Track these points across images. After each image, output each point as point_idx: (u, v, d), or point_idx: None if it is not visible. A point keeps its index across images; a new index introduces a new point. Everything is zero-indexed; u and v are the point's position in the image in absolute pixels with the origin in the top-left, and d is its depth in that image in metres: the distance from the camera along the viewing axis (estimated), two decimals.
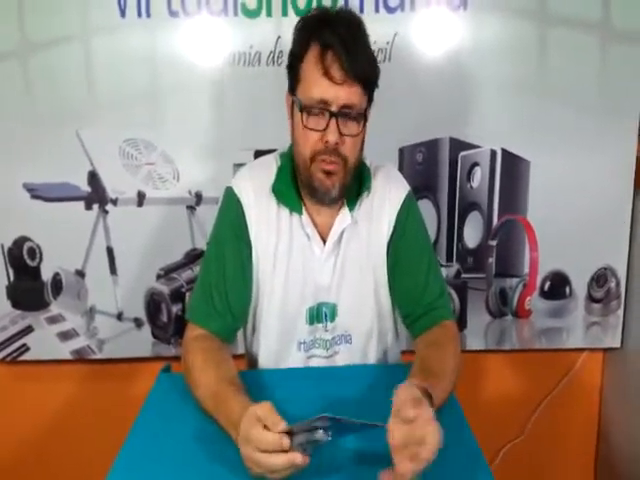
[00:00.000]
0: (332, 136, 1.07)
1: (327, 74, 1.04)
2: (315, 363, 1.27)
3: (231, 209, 1.21)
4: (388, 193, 1.23)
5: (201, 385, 1.05)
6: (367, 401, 0.88)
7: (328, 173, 1.10)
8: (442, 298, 1.23)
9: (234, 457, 0.86)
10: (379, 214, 1.22)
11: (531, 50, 1.68)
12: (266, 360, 1.27)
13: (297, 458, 0.81)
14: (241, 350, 1.40)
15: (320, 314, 1.24)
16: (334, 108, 1.06)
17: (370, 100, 1.12)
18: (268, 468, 0.82)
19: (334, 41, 1.03)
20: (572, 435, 2.06)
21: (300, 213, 1.19)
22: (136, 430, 1.02)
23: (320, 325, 1.25)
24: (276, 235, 1.19)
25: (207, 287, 1.19)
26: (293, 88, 1.12)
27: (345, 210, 1.20)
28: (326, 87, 1.05)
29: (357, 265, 1.23)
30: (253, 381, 1.09)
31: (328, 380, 1.15)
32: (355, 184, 1.19)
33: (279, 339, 1.25)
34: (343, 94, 1.05)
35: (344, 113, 1.07)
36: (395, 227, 1.23)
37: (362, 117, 1.09)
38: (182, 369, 1.13)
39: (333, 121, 1.06)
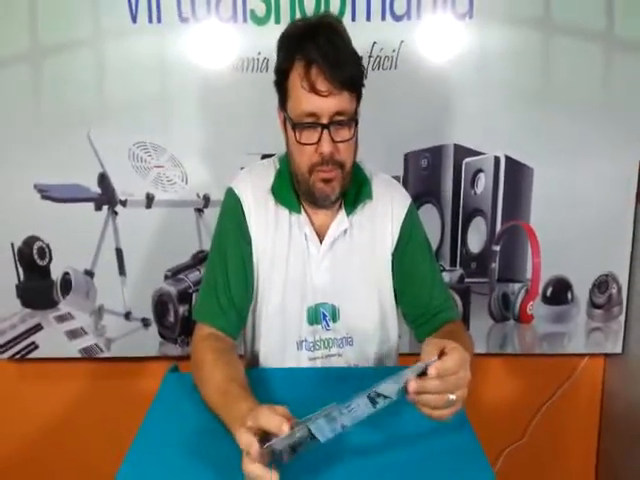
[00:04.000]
0: (326, 147, 1.09)
1: (313, 89, 1.06)
2: (318, 364, 1.28)
3: (231, 207, 1.23)
4: (391, 201, 1.26)
5: (211, 381, 1.05)
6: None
7: (327, 181, 1.13)
8: (448, 301, 1.27)
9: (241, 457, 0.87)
10: (382, 222, 1.25)
11: (536, 59, 1.69)
12: (266, 358, 1.28)
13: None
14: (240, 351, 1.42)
15: (318, 315, 1.25)
16: (324, 120, 1.08)
17: (359, 99, 1.13)
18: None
19: (316, 56, 1.05)
20: (573, 439, 2.07)
21: (299, 212, 1.21)
22: (145, 429, 1.02)
23: (319, 326, 1.26)
24: (274, 232, 1.22)
25: (212, 285, 1.21)
26: (283, 104, 1.14)
27: (342, 213, 1.22)
28: (314, 101, 1.07)
29: (360, 271, 1.24)
30: (251, 380, 1.07)
31: (327, 380, 1.16)
32: (353, 187, 1.22)
33: (279, 337, 1.26)
34: (332, 105, 1.07)
35: (335, 122, 1.08)
36: (400, 236, 1.25)
37: (353, 121, 1.11)
38: (191, 367, 1.15)
39: (325, 132, 1.08)
